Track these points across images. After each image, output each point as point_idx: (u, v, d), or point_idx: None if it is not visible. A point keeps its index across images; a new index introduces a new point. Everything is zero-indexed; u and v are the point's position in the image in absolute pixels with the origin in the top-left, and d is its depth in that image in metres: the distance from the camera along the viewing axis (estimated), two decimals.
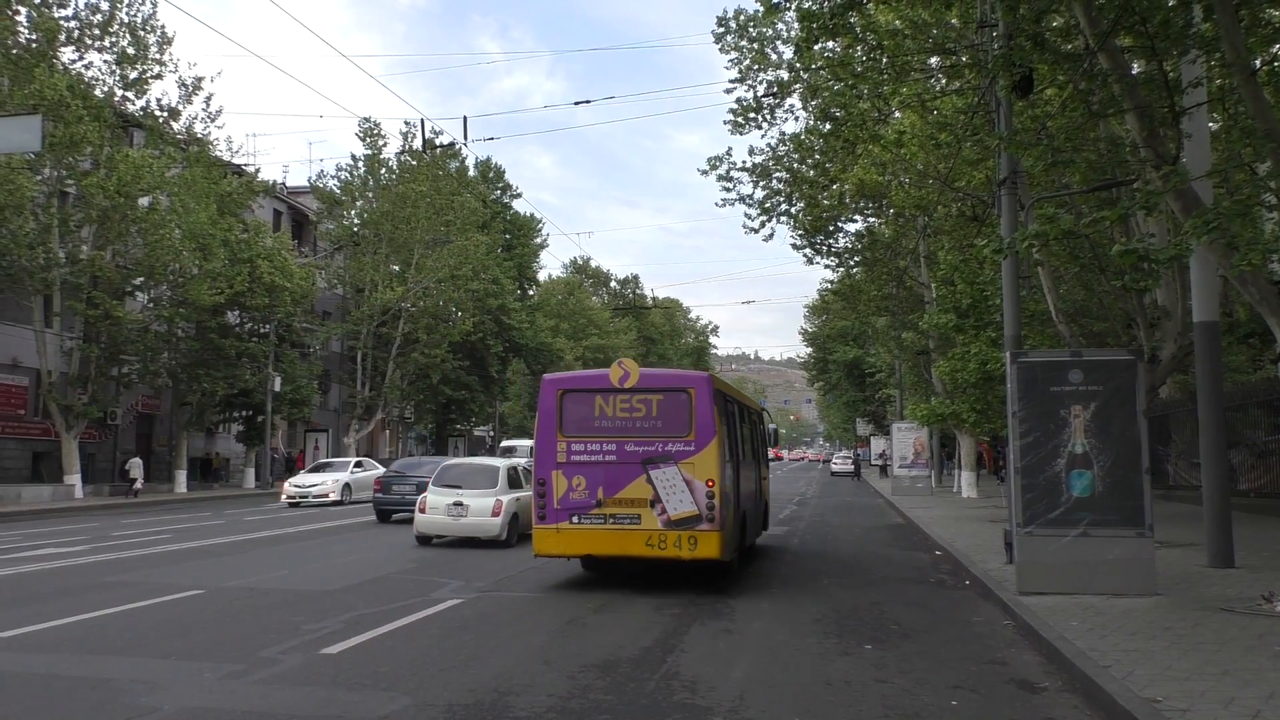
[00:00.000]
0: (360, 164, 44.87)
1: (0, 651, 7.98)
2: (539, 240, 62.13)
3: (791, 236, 30.44)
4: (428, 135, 40.06)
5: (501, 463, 17.79)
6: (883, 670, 7.59)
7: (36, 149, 20.65)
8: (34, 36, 26.40)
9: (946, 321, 21.27)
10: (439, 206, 43.20)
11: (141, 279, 29.89)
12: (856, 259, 32.92)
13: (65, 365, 29.47)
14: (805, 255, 31.29)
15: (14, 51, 25.85)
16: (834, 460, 73.98)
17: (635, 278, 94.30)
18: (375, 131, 44.09)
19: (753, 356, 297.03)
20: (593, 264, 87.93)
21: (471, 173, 53.02)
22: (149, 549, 15.91)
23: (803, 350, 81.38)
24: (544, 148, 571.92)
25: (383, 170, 44.72)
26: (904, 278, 32.01)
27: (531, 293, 63.99)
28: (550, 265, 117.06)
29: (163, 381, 32.61)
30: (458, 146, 39.90)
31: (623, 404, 11.87)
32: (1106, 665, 7.11)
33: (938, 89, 19.63)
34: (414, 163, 43.92)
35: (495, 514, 16.05)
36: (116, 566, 13.55)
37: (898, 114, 21.56)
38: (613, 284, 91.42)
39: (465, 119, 62.15)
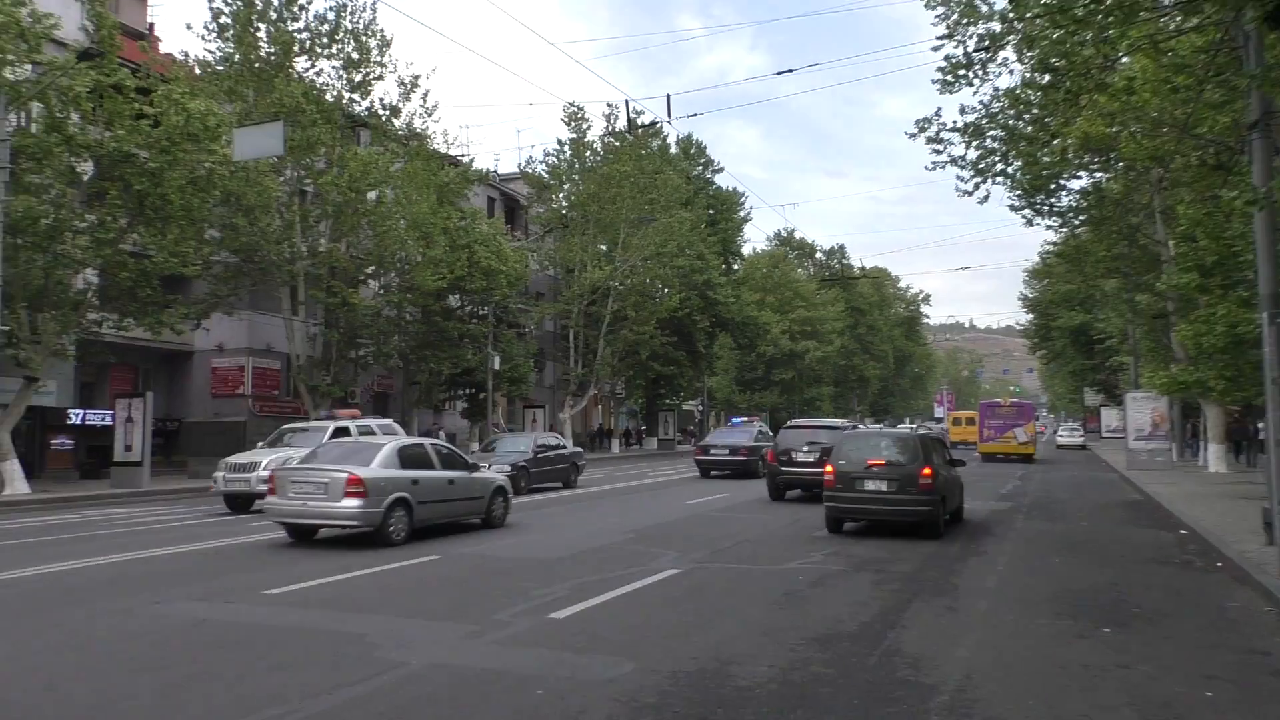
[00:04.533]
0: (566, 148, 46.15)
1: (266, 607, 8.85)
2: (742, 214, 61.85)
3: (1009, 197, 28.62)
4: (630, 115, 40.72)
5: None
6: (1124, 655, 7.14)
7: (280, 152, 22.59)
8: (272, 50, 28.74)
9: (1188, 281, 19.59)
10: (643, 185, 43.78)
11: (373, 268, 32.04)
12: (1082, 218, 30.73)
13: (311, 349, 32.09)
14: (1024, 217, 29.33)
15: (257, 65, 28.29)
16: (1060, 432, 70.86)
17: (841, 248, 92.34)
18: (580, 115, 45.21)
19: (967, 325, 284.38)
20: (797, 235, 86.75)
21: (673, 150, 53.39)
22: None
23: (1022, 317, 77.26)
24: (748, 122, 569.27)
25: (588, 153, 45.81)
26: (1137, 236, 29.68)
27: (736, 267, 63.82)
28: (755, 239, 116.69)
29: (394, 362, 34.97)
30: (659, 125, 40.21)
31: (1002, 410, 42.59)
32: None
33: (1172, 28, 18.01)
34: (617, 144, 44.72)
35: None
36: None
37: (1126, 59, 19.92)
38: (818, 255, 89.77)
39: (668, 97, 62.90)
